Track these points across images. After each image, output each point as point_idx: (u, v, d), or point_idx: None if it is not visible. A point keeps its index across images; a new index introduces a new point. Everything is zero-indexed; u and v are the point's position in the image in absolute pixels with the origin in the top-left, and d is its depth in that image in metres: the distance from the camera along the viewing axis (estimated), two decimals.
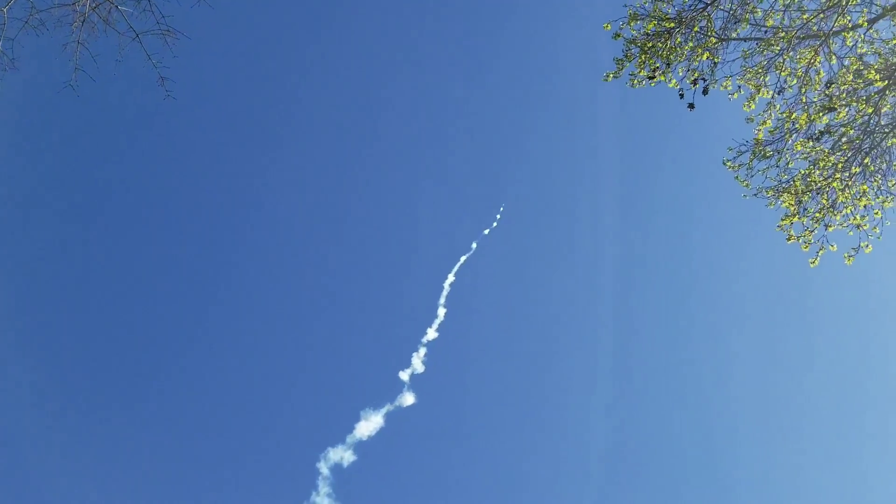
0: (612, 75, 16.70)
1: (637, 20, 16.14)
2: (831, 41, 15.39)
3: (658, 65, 16.07)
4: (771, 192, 17.77)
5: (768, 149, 17.43)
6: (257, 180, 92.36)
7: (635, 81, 16.56)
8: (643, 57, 16.26)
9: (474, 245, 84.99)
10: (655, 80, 16.31)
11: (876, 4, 15.05)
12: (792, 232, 16.84)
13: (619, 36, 16.35)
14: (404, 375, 78.87)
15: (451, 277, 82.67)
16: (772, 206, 17.99)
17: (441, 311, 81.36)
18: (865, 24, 15.34)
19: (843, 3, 15.12)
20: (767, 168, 17.52)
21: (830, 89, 15.08)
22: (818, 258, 16.90)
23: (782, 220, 17.10)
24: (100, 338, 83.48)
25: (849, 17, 15.40)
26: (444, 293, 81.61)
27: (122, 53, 13.65)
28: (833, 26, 15.46)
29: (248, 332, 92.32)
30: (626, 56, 16.40)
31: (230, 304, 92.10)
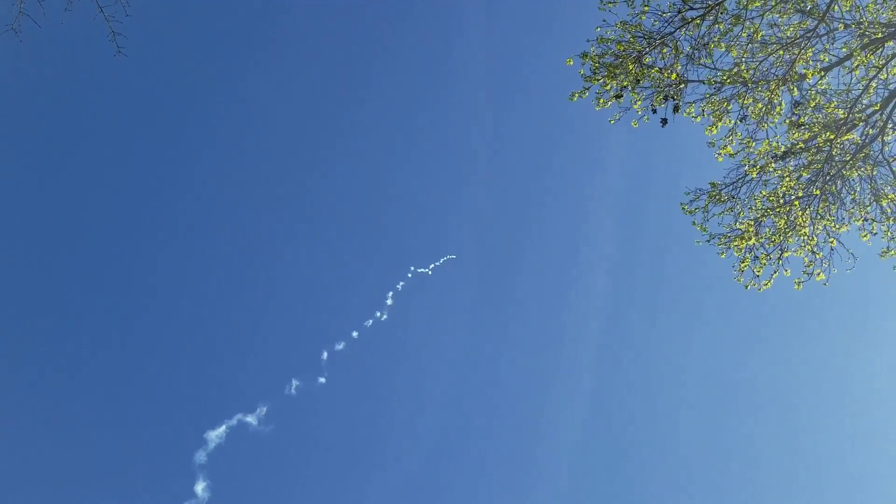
0: (577, 95, 15.91)
1: (605, 42, 15.72)
2: (791, 83, 15.60)
3: (626, 83, 15.47)
4: (722, 241, 17.18)
5: (724, 193, 17.05)
6: (203, 151, 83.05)
7: (601, 101, 15.81)
8: (609, 78, 15.68)
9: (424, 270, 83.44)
10: (622, 98, 15.64)
11: (831, 55, 15.74)
12: (751, 254, 16.25)
13: (586, 56, 15.79)
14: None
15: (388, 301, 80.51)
16: (723, 256, 17.34)
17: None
18: (819, 73, 15.89)
19: (796, 52, 15.65)
20: (722, 213, 17.05)
21: (797, 110, 15.04)
22: (771, 280, 16.46)
23: (738, 254, 16.51)
24: None
25: (802, 63, 15.89)
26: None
27: (71, 2, 12.93)
28: (787, 74, 15.87)
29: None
30: (594, 75, 15.74)
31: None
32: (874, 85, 16.57)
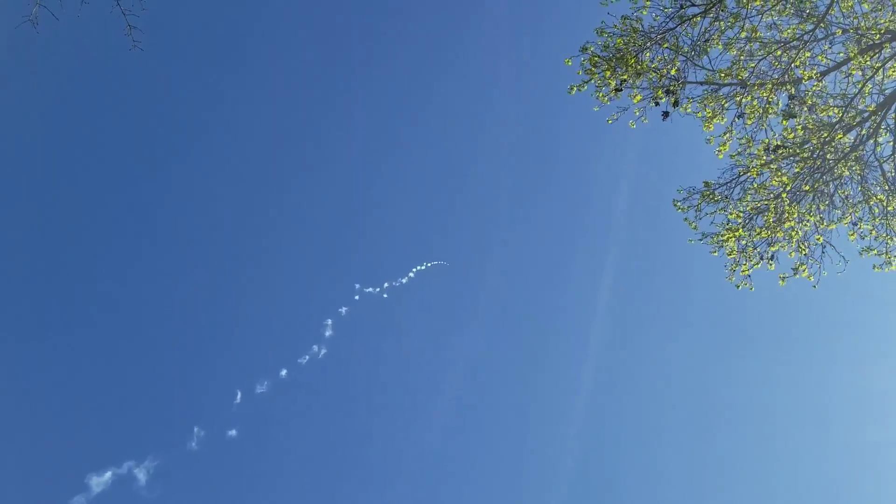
0: (576, 88, 15.96)
1: (604, 35, 15.73)
2: (789, 86, 15.72)
3: (626, 77, 15.53)
4: (714, 240, 17.41)
5: (717, 193, 17.24)
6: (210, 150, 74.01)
7: (601, 95, 15.87)
8: (609, 72, 15.72)
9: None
10: (621, 93, 15.72)
11: (828, 59, 15.86)
12: (744, 254, 16.54)
13: (586, 49, 15.80)
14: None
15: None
16: (715, 255, 17.58)
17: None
18: (817, 76, 16.01)
19: (793, 55, 15.75)
20: (715, 212, 17.25)
21: (793, 101, 15.23)
22: (751, 270, 16.95)
23: (727, 248, 16.85)
24: None
25: (798, 63, 16.00)
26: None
27: None
28: (784, 75, 15.98)
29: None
30: (593, 69, 15.77)
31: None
32: (869, 87, 16.72)
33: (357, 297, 68.45)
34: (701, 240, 17.44)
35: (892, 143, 18.46)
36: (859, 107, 16.77)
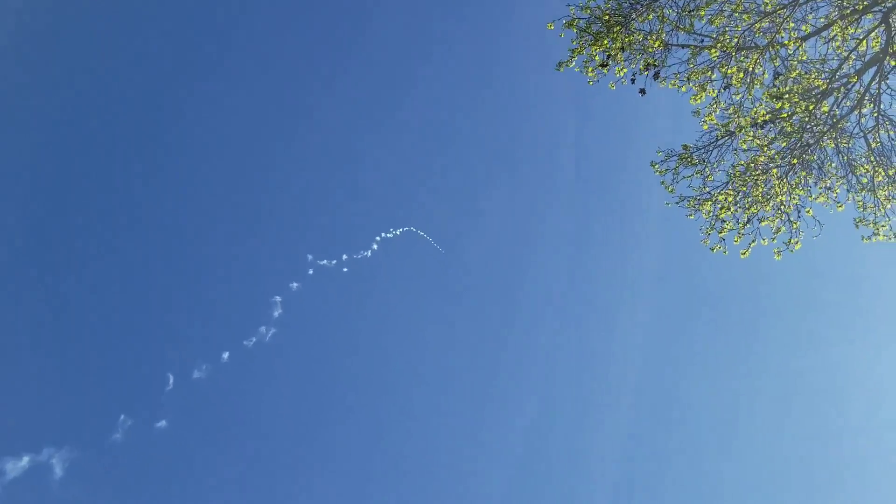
0: (564, 65, 16.33)
1: (589, 10, 16.08)
2: (772, 50, 16.06)
3: (612, 51, 15.91)
4: (692, 203, 17.82)
5: (695, 156, 17.64)
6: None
7: (589, 70, 16.26)
8: (595, 45, 16.09)
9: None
10: (608, 67, 16.09)
11: (810, 24, 16.18)
12: (727, 225, 16.92)
13: (572, 24, 16.15)
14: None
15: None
16: (692, 217, 18.00)
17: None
18: (798, 42, 16.33)
19: (778, 22, 16.08)
20: (692, 175, 17.64)
21: (777, 80, 15.56)
22: (749, 250, 17.23)
23: (706, 217, 17.23)
24: None
25: (783, 33, 16.33)
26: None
27: None
28: (767, 43, 16.31)
29: None
30: (580, 42, 16.15)
31: None
32: (852, 57, 17.03)
33: (311, 272, 60.27)
34: (678, 203, 17.86)
35: (875, 115, 18.81)
36: (842, 73, 17.13)
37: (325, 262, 60.82)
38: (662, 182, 17.24)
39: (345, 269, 61.61)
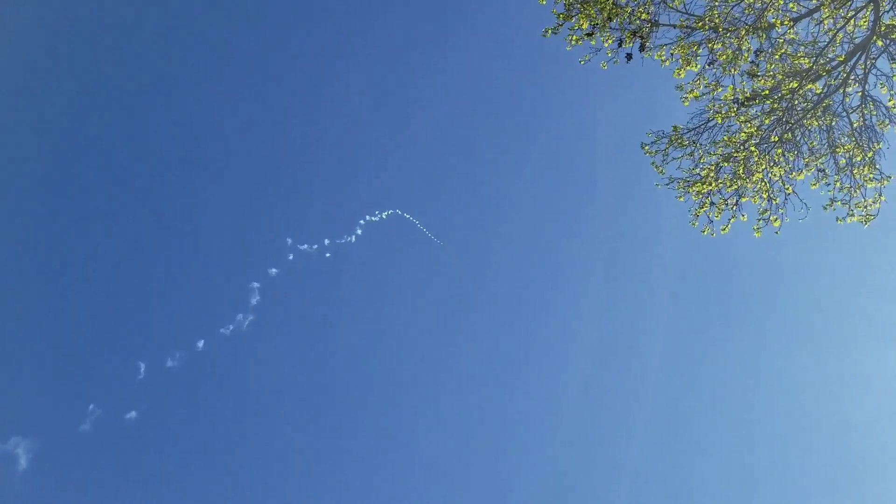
0: (550, 31, 15.92)
1: None
2: (760, 29, 15.81)
3: (598, 20, 15.53)
4: (682, 185, 17.73)
5: (685, 138, 17.48)
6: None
7: (574, 38, 15.88)
8: (582, 16, 15.69)
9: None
10: (594, 36, 15.72)
11: (800, 5, 15.92)
12: (708, 199, 16.97)
13: None
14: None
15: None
16: (681, 200, 17.94)
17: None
18: (788, 22, 16.09)
19: (768, 1, 15.80)
20: (682, 157, 17.53)
21: (759, 57, 15.39)
22: (728, 225, 17.33)
23: (696, 199, 17.19)
24: None
25: (772, 11, 16.07)
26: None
27: None
28: (756, 19, 16.05)
29: None
30: (568, 10, 15.72)
31: None
32: (840, 37, 16.87)
33: (291, 257, 56.58)
34: (668, 184, 17.77)
35: (860, 94, 18.76)
36: (829, 55, 16.97)
37: (305, 246, 57.12)
38: (652, 163, 17.14)
39: (327, 255, 57.99)
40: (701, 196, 17.27)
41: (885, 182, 18.87)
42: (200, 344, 51.69)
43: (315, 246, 57.44)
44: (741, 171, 17.06)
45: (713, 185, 16.90)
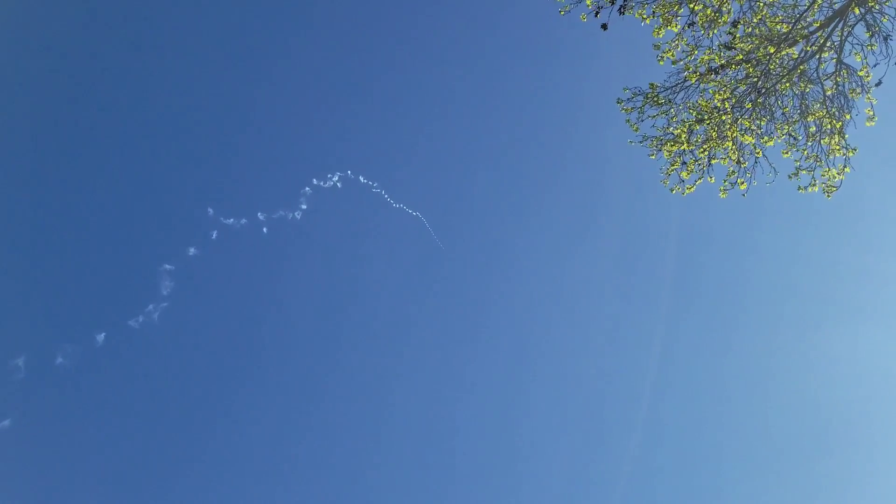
0: None
1: None
2: None
3: None
4: (654, 143, 17.74)
5: (661, 96, 17.40)
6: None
7: None
8: None
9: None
10: None
11: None
12: (679, 158, 17.09)
13: None
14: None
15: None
16: (653, 157, 17.97)
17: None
18: None
19: None
20: (657, 115, 17.48)
21: (736, 28, 15.32)
22: (695, 185, 17.58)
23: (667, 157, 17.29)
24: None
25: None
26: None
27: None
28: None
29: None
30: None
31: None
32: (820, 2, 16.80)
33: (214, 234, 44.33)
34: (641, 142, 17.78)
35: (835, 61, 18.82)
36: (808, 19, 16.93)
37: (231, 220, 44.52)
38: (627, 120, 17.12)
39: (264, 230, 45.66)
40: (672, 155, 17.38)
41: (851, 153, 19.09)
42: (101, 337, 42.21)
43: (243, 220, 45.12)
44: (713, 134, 17.15)
45: (685, 145, 17.02)
